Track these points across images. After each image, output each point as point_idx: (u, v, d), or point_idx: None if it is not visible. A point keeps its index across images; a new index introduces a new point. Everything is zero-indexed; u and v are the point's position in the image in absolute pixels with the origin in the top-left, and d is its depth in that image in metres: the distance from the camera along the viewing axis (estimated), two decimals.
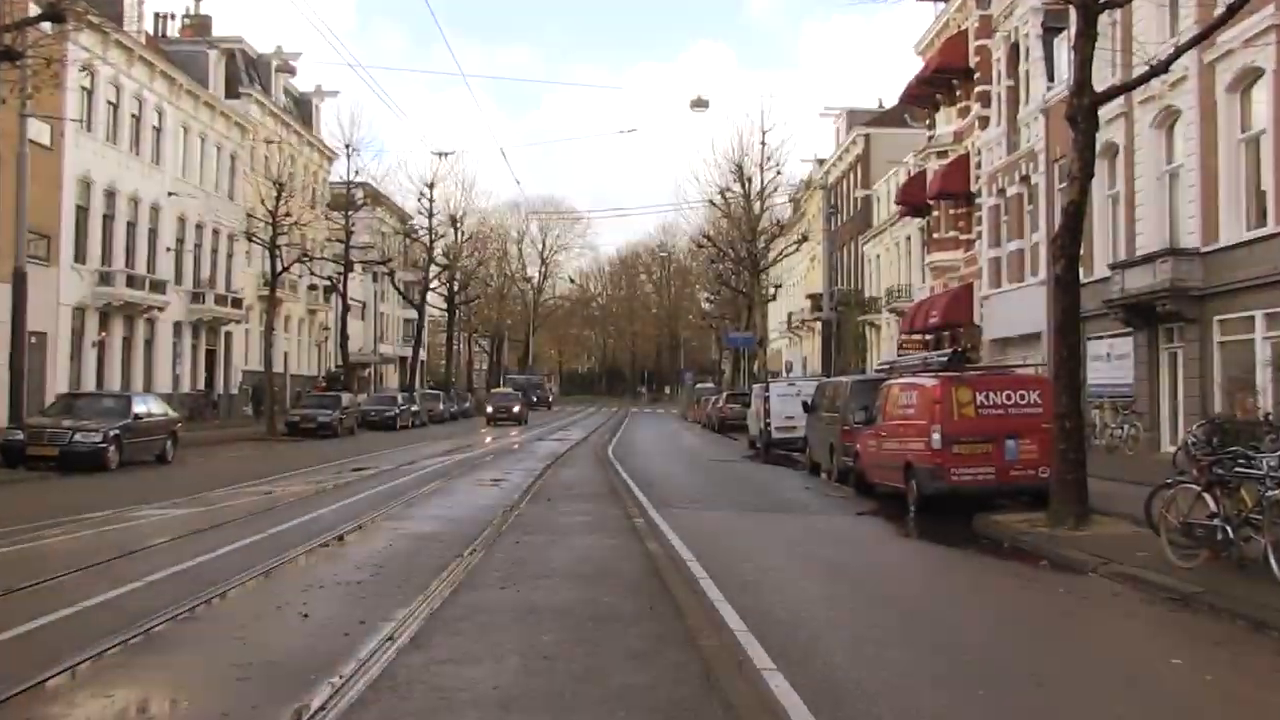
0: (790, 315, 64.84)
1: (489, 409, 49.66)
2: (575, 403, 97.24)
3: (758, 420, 28.28)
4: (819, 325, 46.44)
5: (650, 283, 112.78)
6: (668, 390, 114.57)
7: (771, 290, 53.32)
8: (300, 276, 48.83)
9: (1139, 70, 12.55)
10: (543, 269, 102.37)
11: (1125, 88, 13.28)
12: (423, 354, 73.69)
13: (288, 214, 37.07)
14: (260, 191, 37.45)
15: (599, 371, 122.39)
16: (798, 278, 64.13)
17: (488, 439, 34.66)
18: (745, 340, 46.69)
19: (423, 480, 18.67)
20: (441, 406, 50.16)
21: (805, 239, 47.50)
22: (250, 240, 39.29)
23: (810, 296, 56.32)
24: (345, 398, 37.98)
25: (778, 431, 26.24)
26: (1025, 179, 27.04)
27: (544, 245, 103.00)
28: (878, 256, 47.00)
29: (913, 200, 36.51)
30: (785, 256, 48.18)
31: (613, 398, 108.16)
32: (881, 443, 15.56)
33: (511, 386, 66.52)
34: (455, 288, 61.05)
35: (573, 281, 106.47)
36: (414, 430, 41.36)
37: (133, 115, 34.53)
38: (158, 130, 36.29)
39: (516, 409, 48.57)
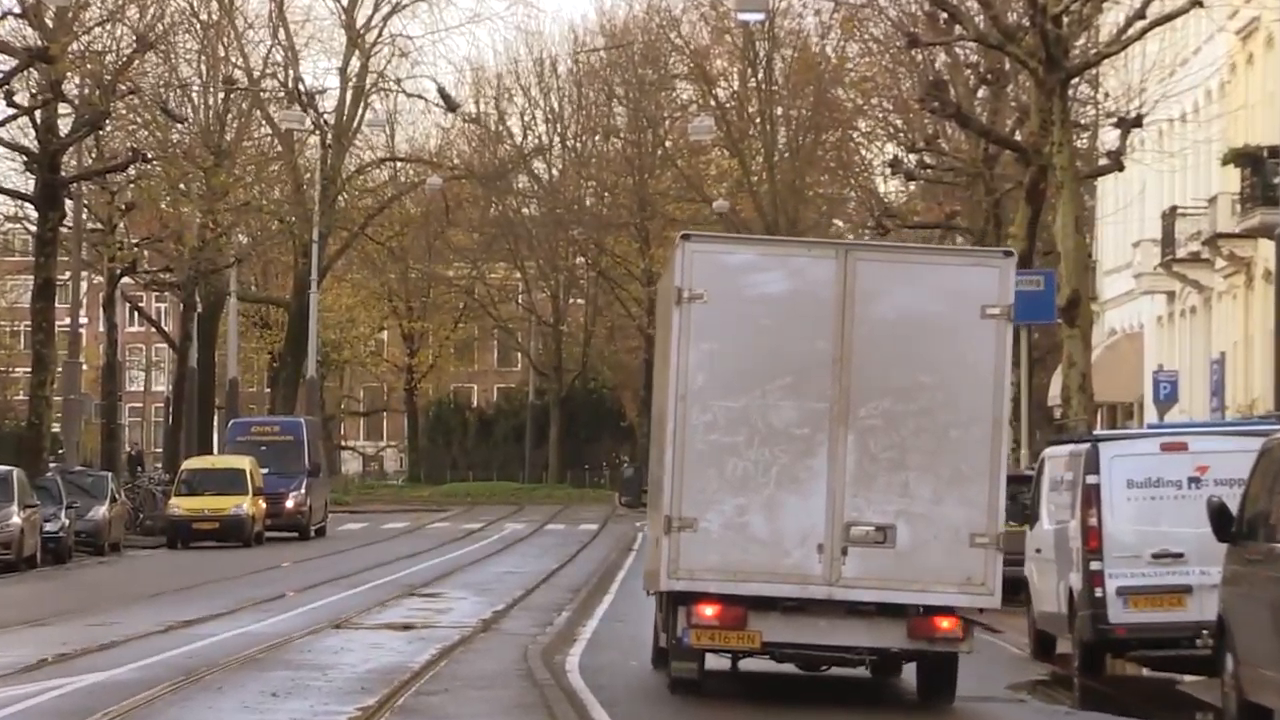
0: (1171, 220, 63.72)
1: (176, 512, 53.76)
2: (458, 504, 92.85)
3: (1062, 568, 28.53)
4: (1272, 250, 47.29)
5: (715, 106, 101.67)
6: None
7: (1106, 142, 53.74)
8: None
9: None
10: (355, 75, 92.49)
11: None
12: None
13: None
14: None
15: (542, 401, 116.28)
16: (1194, 104, 62.20)
17: (161, 623, 32.72)
18: (1025, 306, 42.21)
19: None
20: (16, 519, 47.47)
21: None
22: None
23: (1240, 157, 54.71)
24: None
25: (1128, 606, 26.63)
26: None
27: None
28: None
29: None
30: (1150, 33, 44.76)
31: (579, 490, 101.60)
32: None
33: (257, 447, 66.40)
34: (63, 132, 59.49)
35: (452, 109, 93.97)
36: None
37: None
38: None
39: (242, 509, 54.64)
